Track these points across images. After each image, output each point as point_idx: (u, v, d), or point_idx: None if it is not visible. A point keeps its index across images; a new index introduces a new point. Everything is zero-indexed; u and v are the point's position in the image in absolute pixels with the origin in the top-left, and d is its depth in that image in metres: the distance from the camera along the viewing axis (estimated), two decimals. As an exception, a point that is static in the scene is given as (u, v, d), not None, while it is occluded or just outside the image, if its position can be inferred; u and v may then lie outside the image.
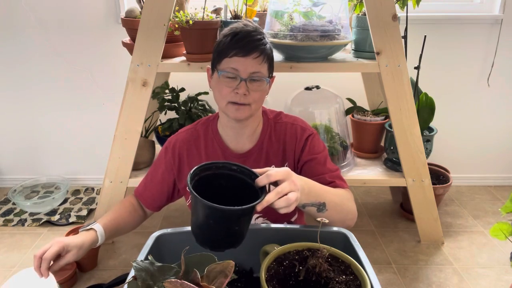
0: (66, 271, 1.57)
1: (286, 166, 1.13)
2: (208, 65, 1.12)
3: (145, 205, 1.22)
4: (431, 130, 1.91)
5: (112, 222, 1.12)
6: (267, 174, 0.78)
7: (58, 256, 0.97)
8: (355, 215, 1.02)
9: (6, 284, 0.92)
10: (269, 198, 0.75)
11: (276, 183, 0.80)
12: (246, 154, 1.12)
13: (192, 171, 0.74)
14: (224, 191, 0.74)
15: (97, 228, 1.08)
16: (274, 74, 1.14)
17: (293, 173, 0.83)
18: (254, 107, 1.05)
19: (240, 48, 0.99)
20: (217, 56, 1.04)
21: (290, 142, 1.13)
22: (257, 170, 0.80)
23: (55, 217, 2.02)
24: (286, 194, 0.78)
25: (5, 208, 2.12)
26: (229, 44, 1.00)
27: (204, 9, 1.58)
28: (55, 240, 0.97)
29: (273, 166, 1.13)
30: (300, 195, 0.82)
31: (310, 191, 0.89)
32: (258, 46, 1.00)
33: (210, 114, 1.20)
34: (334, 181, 1.07)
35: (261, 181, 0.77)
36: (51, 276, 0.91)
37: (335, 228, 0.86)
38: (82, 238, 1.03)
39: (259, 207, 0.73)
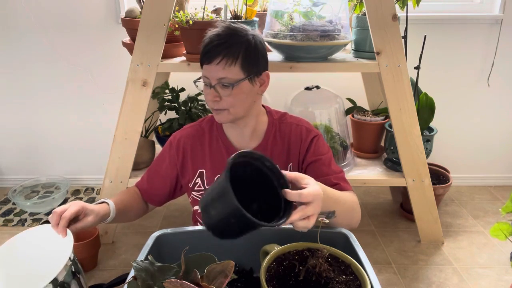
0: (66, 271, 1.57)
1: (290, 166, 1.14)
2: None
3: (146, 199, 1.21)
4: (431, 130, 1.91)
5: (120, 203, 1.09)
6: (300, 193, 0.74)
7: (75, 219, 0.93)
8: (360, 218, 1.03)
9: (19, 235, 0.88)
10: (293, 218, 0.73)
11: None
12: None
13: (232, 158, 0.71)
14: (246, 178, 0.72)
15: (110, 202, 1.05)
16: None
17: (322, 194, 0.78)
18: (233, 111, 1.04)
19: (204, 55, 1.02)
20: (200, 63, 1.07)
21: (295, 142, 1.13)
22: (287, 175, 0.77)
23: (55, 217, 2.01)
24: (308, 217, 0.75)
25: (5, 208, 2.12)
26: (201, 52, 1.03)
27: (204, 9, 1.58)
28: (73, 202, 0.94)
29: (291, 164, 1.13)
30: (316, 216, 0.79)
31: (324, 204, 0.84)
32: (219, 51, 0.99)
33: None
34: (338, 183, 1.08)
35: (292, 196, 0.74)
36: (69, 234, 0.87)
37: (335, 228, 0.86)
38: (98, 207, 1.00)
39: (282, 225, 0.71)
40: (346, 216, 0.95)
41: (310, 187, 0.76)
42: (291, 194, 0.73)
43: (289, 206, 0.73)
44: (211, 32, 1.03)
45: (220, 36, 1.00)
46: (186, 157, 1.15)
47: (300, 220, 0.73)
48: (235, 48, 1.00)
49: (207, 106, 1.81)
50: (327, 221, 0.77)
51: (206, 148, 1.14)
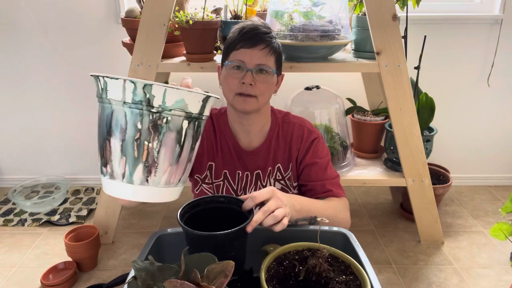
0: (66, 271, 1.57)
1: (291, 166, 1.14)
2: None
3: None
4: (431, 130, 1.91)
5: None
6: (252, 196, 0.79)
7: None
8: (348, 225, 1.04)
9: None
10: (257, 218, 0.76)
11: (263, 204, 0.81)
12: (255, 151, 1.12)
13: (181, 209, 0.75)
14: (217, 225, 0.75)
15: None
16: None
17: (277, 190, 0.84)
18: (261, 100, 1.05)
19: (246, 40, 1.02)
20: (225, 51, 1.07)
21: (296, 142, 1.14)
22: (243, 197, 0.81)
23: (55, 217, 2.02)
24: (273, 212, 0.79)
25: (5, 208, 2.12)
26: (236, 38, 1.03)
27: (204, 9, 1.58)
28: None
29: (291, 163, 1.13)
30: (289, 210, 0.83)
31: (301, 207, 0.91)
32: (263, 38, 1.03)
33: (220, 107, 1.20)
34: (331, 189, 1.09)
35: (247, 204, 0.78)
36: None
37: (335, 228, 0.86)
38: None
39: (249, 228, 0.73)
40: (330, 223, 0.96)
41: (260, 190, 0.82)
42: (246, 203, 0.78)
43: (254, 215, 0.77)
44: (248, 22, 1.06)
45: (263, 26, 1.04)
46: (201, 145, 1.14)
47: (267, 217, 0.77)
48: (275, 42, 1.05)
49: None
50: (327, 221, 0.77)
51: (217, 141, 1.14)
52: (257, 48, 1.02)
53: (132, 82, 0.59)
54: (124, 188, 0.64)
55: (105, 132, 0.62)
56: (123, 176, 0.63)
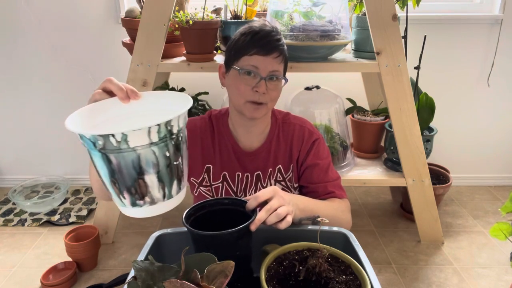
0: (66, 271, 1.57)
1: (292, 167, 1.14)
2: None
3: None
4: (431, 130, 1.92)
5: None
6: (255, 196, 0.80)
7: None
8: (349, 225, 1.04)
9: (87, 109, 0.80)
10: (260, 216, 0.77)
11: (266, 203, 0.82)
12: (255, 153, 1.12)
13: (186, 211, 0.77)
14: (223, 226, 0.75)
15: None
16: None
17: (279, 189, 0.85)
18: (270, 106, 1.05)
19: (261, 47, 1.00)
20: (235, 53, 1.03)
21: (297, 143, 1.13)
22: (246, 198, 0.82)
23: (55, 217, 2.02)
24: (276, 210, 0.80)
25: (5, 208, 2.12)
26: (249, 42, 1.00)
27: (204, 9, 1.58)
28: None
29: (292, 165, 1.13)
30: (292, 208, 0.84)
31: (305, 206, 0.91)
32: (278, 46, 1.01)
33: (221, 108, 1.19)
34: (334, 191, 1.09)
35: (251, 204, 0.79)
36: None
37: (335, 228, 0.86)
38: None
39: (252, 227, 0.74)
40: (332, 223, 0.96)
41: (263, 189, 0.83)
42: (249, 203, 0.79)
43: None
44: (257, 25, 1.03)
45: (275, 32, 1.02)
46: (196, 147, 1.14)
47: (270, 215, 0.78)
48: (285, 48, 1.04)
49: (206, 106, 1.81)
50: (327, 221, 0.77)
51: (215, 143, 1.13)
52: (271, 56, 1.00)
53: (157, 125, 0.62)
54: (166, 204, 0.69)
55: (135, 175, 0.64)
56: (164, 197, 0.68)
